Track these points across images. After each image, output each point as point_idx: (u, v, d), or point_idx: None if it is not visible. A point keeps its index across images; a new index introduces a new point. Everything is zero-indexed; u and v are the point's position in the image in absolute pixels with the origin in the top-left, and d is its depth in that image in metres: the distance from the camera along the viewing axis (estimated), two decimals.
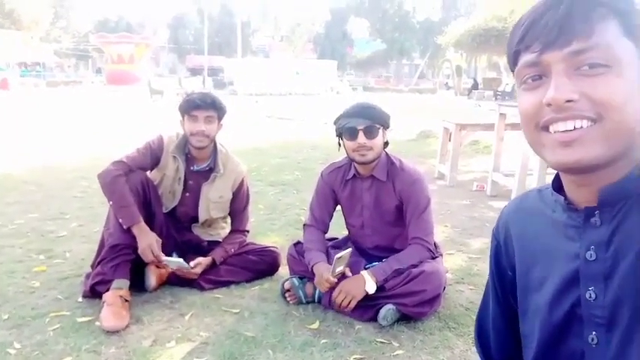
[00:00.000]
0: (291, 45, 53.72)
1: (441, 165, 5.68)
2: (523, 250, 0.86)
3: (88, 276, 2.45)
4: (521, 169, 4.20)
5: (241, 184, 2.76)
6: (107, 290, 2.26)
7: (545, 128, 0.69)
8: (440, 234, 3.46)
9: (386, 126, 2.30)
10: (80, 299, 2.39)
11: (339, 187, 2.47)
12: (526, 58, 0.70)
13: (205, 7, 45.33)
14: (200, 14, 49.67)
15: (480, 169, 6.08)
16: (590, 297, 0.72)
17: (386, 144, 2.36)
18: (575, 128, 0.66)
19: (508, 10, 20.95)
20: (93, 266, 2.45)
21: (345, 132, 2.27)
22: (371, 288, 2.16)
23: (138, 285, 2.44)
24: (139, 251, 2.36)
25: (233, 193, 2.73)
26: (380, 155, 2.32)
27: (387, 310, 2.16)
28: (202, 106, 2.51)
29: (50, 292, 2.47)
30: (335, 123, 2.33)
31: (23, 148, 7.28)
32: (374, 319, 2.19)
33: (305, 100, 21.49)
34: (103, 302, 2.21)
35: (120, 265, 2.32)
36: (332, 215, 2.56)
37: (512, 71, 0.75)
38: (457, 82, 33.26)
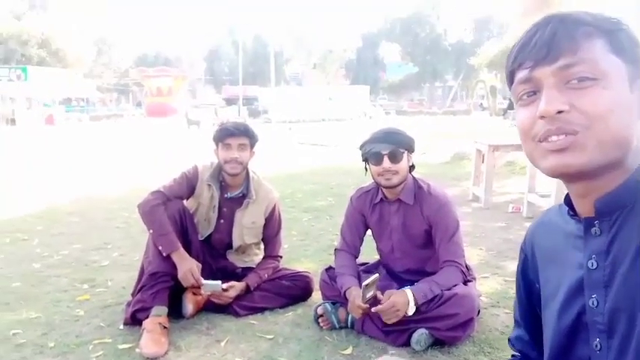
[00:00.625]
0: (323, 72, 54.48)
1: (475, 187, 5.63)
2: (544, 262, 0.90)
3: (128, 304, 2.54)
4: (556, 189, 4.14)
5: (273, 209, 2.82)
6: (147, 317, 2.34)
7: (542, 141, 0.74)
8: (474, 257, 3.43)
9: (411, 150, 2.34)
10: (121, 327, 2.47)
11: (368, 211, 2.50)
12: (520, 75, 0.76)
13: (239, 38, 46.58)
14: (235, 46, 51.10)
15: (515, 190, 5.99)
16: (593, 304, 0.76)
17: (412, 167, 2.39)
18: (566, 136, 0.70)
19: None
20: (133, 294, 2.54)
21: (371, 157, 2.31)
22: (411, 309, 2.15)
23: (176, 312, 2.51)
24: (180, 276, 2.44)
25: (265, 219, 2.79)
26: (406, 179, 2.35)
27: (420, 335, 2.15)
28: (235, 134, 2.61)
29: (93, 320, 2.57)
30: (360, 148, 2.38)
31: (67, 180, 7.61)
32: (407, 343, 2.19)
33: (338, 126, 21.66)
34: (143, 329, 2.29)
35: (159, 293, 2.41)
36: (362, 239, 2.59)
37: (510, 90, 0.80)
38: (492, 103, 32.90)
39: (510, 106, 27.78)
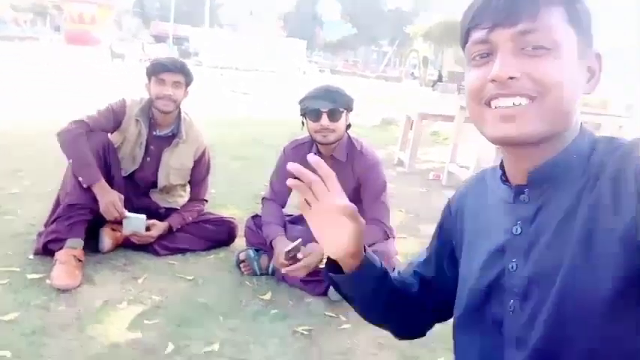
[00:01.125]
0: (260, 21, 52.94)
1: (401, 152, 5.80)
2: (472, 222, 0.91)
3: (40, 234, 2.42)
4: (476, 161, 4.36)
5: (203, 153, 2.76)
6: (60, 249, 2.24)
7: (488, 104, 0.74)
8: (394, 218, 3.54)
9: (349, 109, 2.36)
10: (31, 256, 2.36)
11: (300, 164, 2.51)
12: (476, 35, 0.74)
13: None
14: None
15: (437, 159, 6.23)
16: (512, 268, 0.78)
17: (348, 126, 2.41)
18: (514, 105, 0.71)
19: None
20: (46, 225, 2.42)
21: (309, 113, 2.31)
22: (324, 260, 2.22)
23: (92, 246, 2.43)
24: (101, 208, 2.35)
25: (194, 162, 2.73)
26: (342, 137, 2.38)
27: None
28: (172, 70, 2.51)
29: (0, 248, 2.43)
30: (300, 103, 2.37)
31: None
32: (324, 293, 2.27)
33: (271, 78, 21.30)
34: (56, 260, 2.20)
35: (75, 225, 2.31)
36: (291, 190, 2.60)
37: (463, 49, 0.79)
38: (423, 73, 33.61)
39: (439, 79, 28.58)
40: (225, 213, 3.03)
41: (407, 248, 3.04)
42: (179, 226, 2.63)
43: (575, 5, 0.73)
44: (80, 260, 2.25)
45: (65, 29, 35.13)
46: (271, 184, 2.59)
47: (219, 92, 12.24)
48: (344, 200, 0.85)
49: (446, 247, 0.98)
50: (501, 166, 0.84)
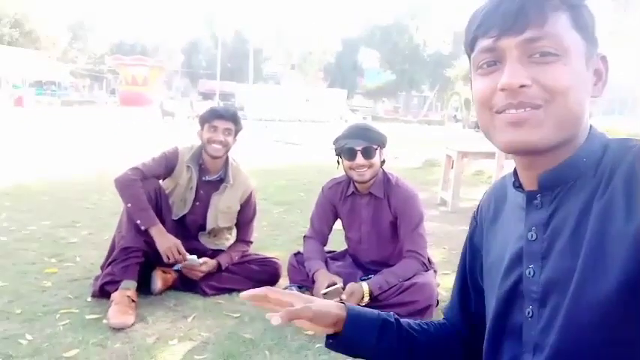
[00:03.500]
0: (302, 73, 54.56)
1: (444, 192, 5.80)
2: (490, 229, 0.91)
3: (97, 278, 2.58)
4: None
5: (249, 196, 2.90)
6: (116, 290, 2.38)
7: (500, 113, 0.74)
8: (437, 255, 3.56)
9: (382, 146, 2.44)
10: (89, 299, 2.51)
11: (338, 202, 2.60)
12: (483, 43, 0.74)
13: (219, 32, 46.29)
14: (214, 40, 50.69)
15: (481, 197, 6.16)
16: (529, 274, 0.78)
17: (383, 162, 2.49)
18: (525, 110, 0.71)
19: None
20: (102, 268, 2.58)
21: (344, 152, 2.41)
22: (365, 301, 2.27)
23: (144, 288, 2.56)
24: (162, 250, 2.49)
25: (241, 205, 2.86)
26: (377, 173, 2.46)
27: None
28: (224, 117, 2.69)
29: (60, 292, 2.59)
30: (334, 143, 2.47)
31: (37, 162, 7.49)
32: None
33: (313, 127, 21.75)
34: (111, 301, 2.33)
35: (130, 267, 2.45)
36: (331, 228, 2.68)
37: (469, 57, 0.79)
38: (465, 115, 33.45)
39: None
40: (268, 255, 3.12)
41: (450, 284, 3.02)
42: (227, 265, 2.73)
43: (580, 10, 0.73)
44: (134, 301, 2.38)
45: (120, 91, 37.23)
46: (312, 222, 2.68)
47: (264, 143, 12.61)
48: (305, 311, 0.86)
49: (477, 259, 0.96)
50: (515, 172, 0.83)
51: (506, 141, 0.74)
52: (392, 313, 0.96)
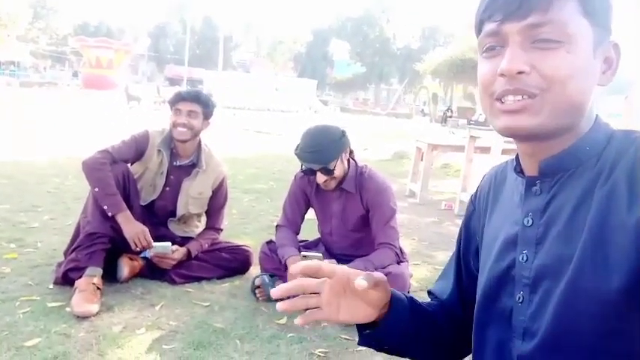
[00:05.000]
0: (272, 62, 54.16)
1: (412, 183, 5.84)
2: (490, 212, 0.90)
3: (60, 264, 2.48)
4: None
5: (221, 182, 2.84)
6: (80, 277, 2.29)
7: (499, 100, 0.74)
8: (408, 246, 3.57)
9: (342, 151, 2.39)
10: (51, 286, 2.41)
11: (310, 191, 2.58)
12: (488, 27, 0.74)
13: (188, 18, 45.40)
14: (182, 25, 49.72)
15: (449, 190, 6.25)
16: (522, 259, 0.78)
17: (351, 154, 2.47)
18: (523, 98, 0.71)
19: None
20: (66, 254, 2.48)
21: (305, 171, 2.43)
22: None
23: (110, 275, 2.48)
24: (129, 237, 2.42)
25: (213, 191, 2.80)
26: (345, 175, 2.44)
27: None
28: (187, 99, 2.62)
29: (21, 279, 2.48)
30: (295, 154, 2.42)
31: None
32: None
33: (283, 117, 21.62)
34: (75, 288, 2.24)
35: (95, 253, 2.36)
36: (303, 217, 2.65)
37: (478, 39, 0.79)
38: (433, 109, 33.85)
39: (449, 114, 28.75)
40: (239, 242, 3.07)
41: (421, 274, 3.05)
42: (197, 252, 2.67)
43: None
44: (99, 288, 2.29)
45: (83, 74, 36.13)
46: (284, 210, 2.65)
47: (232, 131, 12.45)
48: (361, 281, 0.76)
49: (471, 245, 0.96)
50: (517, 157, 0.83)
51: (503, 126, 0.74)
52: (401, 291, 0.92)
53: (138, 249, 2.45)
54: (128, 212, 2.44)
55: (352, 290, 0.79)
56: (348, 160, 2.47)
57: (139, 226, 2.44)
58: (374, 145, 10.59)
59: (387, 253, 2.37)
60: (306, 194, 2.61)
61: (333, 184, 2.42)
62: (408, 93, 51.97)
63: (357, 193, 2.46)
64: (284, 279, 2.41)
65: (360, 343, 0.90)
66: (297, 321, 0.80)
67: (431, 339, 0.93)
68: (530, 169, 0.79)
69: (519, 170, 0.82)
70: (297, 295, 0.81)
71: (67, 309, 2.17)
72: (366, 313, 0.83)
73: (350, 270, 0.80)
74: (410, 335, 0.89)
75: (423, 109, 39.95)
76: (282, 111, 27.52)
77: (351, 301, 0.82)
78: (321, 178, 2.37)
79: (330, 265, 0.80)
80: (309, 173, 2.42)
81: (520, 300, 0.78)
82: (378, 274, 0.81)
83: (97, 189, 2.42)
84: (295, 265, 0.79)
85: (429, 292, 1.06)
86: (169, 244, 2.55)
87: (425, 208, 5.21)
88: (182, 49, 44.39)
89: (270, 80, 33.95)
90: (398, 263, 2.42)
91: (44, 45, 47.91)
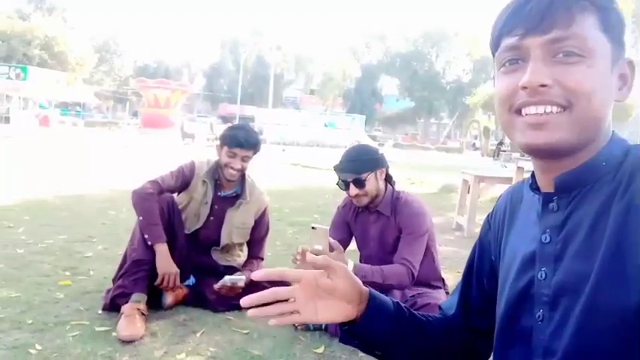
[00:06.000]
0: (321, 98, 55.08)
1: (460, 217, 5.74)
2: (508, 231, 0.90)
3: (108, 290, 2.58)
4: None
5: (264, 213, 2.90)
6: (126, 303, 2.38)
7: (518, 112, 0.73)
8: (451, 279, 3.50)
9: (378, 168, 2.43)
10: (100, 311, 2.51)
11: (351, 219, 2.60)
12: (507, 41, 0.74)
13: (241, 57, 47.11)
14: (235, 64, 51.63)
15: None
16: (541, 277, 0.77)
17: (389, 178, 2.50)
18: (545, 112, 0.70)
19: None
20: (114, 280, 2.59)
21: (339, 184, 2.47)
22: None
23: (155, 302, 2.56)
24: (160, 272, 2.49)
25: (255, 221, 2.87)
26: (378, 195, 2.46)
27: None
28: (245, 147, 2.69)
29: (72, 304, 2.60)
30: (334, 170, 2.48)
31: (58, 178, 7.63)
32: None
33: (331, 152, 21.84)
34: (121, 314, 2.33)
35: (140, 280, 2.45)
36: (345, 245, 2.66)
37: (494, 56, 0.79)
38: (484, 143, 33.33)
39: (501, 149, 28.20)
40: None
41: None
42: (247, 282, 2.70)
43: (609, 13, 0.72)
44: (144, 314, 2.37)
45: (142, 113, 37.88)
46: None
47: (281, 166, 12.69)
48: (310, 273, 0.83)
49: (485, 262, 0.96)
50: (533, 175, 0.83)
51: (527, 142, 0.73)
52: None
53: (163, 286, 2.51)
54: (165, 246, 2.51)
55: (324, 289, 0.82)
56: (386, 184, 2.49)
57: (173, 267, 2.51)
58: (421, 179, 10.50)
59: (401, 270, 2.34)
60: (347, 223, 2.64)
61: (365, 200, 2.43)
62: (459, 127, 51.44)
63: (392, 216, 2.47)
64: None
65: (340, 341, 0.92)
66: (271, 322, 0.83)
67: (420, 348, 0.94)
68: (546, 185, 0.79)
69: (535, 187, 0.81)
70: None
71: (114, 333, 2.26)
72: (346, 312, 0.85)
73: (316, 271, 0.83)
74: (393, 337, 0.90)
75: (474, 143, 39.36)
76: (332, 146, 27.79)
77: (326, 301, 0.84)
78: (353, 190, 2.39)
79: (294, 271, 0.84)
80: (342, 187, 2.45)
81: (540, 318, 0.77)
82: (339, 263, 0.84)
83: (141, 217, 2.54)
84: (257, 272, 0.83)
85: (439, 307, 1.07)
86: (242, 277, 2.60)
87: (471, 241, 5.01)
88: (235, 87, 45.98)
89: (319, 116, 34.50)
90: (441, 292, 2.38)
91: (107, 86, 50.80)
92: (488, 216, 0.99)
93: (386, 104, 57.21)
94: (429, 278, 2.52)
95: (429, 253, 2.48)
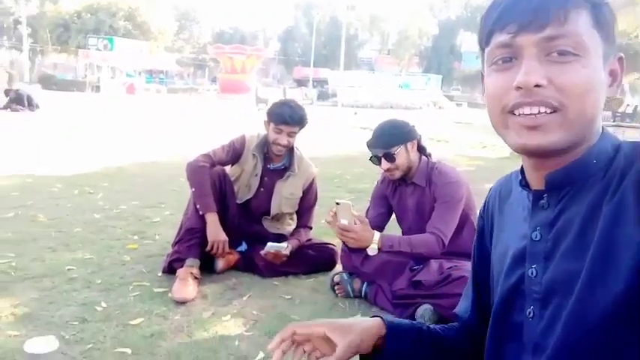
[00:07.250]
0: (397, 58, 53.79)
1: None
2: (498, 226, 0.90)
3: (167, 255, 2.82)
4: None
5: (311, 184, 3.01)
6: (181, 267, 2.60)
7: (511, 112, 0.72)
8: None
9: (409, 140, 2.44)
10: (159, 274, 2.75)
11: (389, 193, 2.64)
12: (500, 38, 0.72)
13: (315, 19, 46.82)
14: (309, 27, 51.41)
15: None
16: (531, 274, 0.77)
17: (423, 150, 2.51)
18: (539, 113, 0.69)
19: (633, 26, 19.56)
20: (172, 246, 2.81)
21: (372, 160, 2.51)
22: (372, 250, 2.33)
23: (209, 266, 2.76)
24: (210, 240, 2.66)
25: (303, 192, 2.99)
26: (411, 168, 2.48)
27: (425, 310, 2.28)
28: (290, 124, 2.79)
29: (137, 266, 2.87)
30: (366, 145, 2.52)
31: (139, 145, 8.16)
32: (412, 317, 2.32)
33: (405, 114, 21.48)
34: (176, 277, 2.55)
35: (193, 246, 2.65)
36: (385, 220, 2.71)
37: (483, 51, 0.77)
38: None
39: None
40: (330, 241, 3.21)
41: None
42: (294, 249, 2.85)
43: (601, 8, 0.71)
44: (197, 278, 2.58)
45: (220, 79, 39.01)
46: (367, 212, 2.74)
47: (349, 130, 12.71)
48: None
49: (485, 258, 0.95)
50: (522, 171, 0.82)
51: (523, 143, 0.72)
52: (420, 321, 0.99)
53: (212, 252, 2.68)
54: (215, 215, 2.67)
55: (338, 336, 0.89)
56: (420, 156, 2.50)
57: (221, 235, 2.66)
58: (494, 142, 10.16)
59: (429, 238, 2.36)
60: (385, 197, 2.68)
61: (397, 173, 2.46)
62: None
63: (428, 186, 2.48)
64: (361, 277, 2.52)
65: None
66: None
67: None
68: (536, 182, 0.78)
69: (525, 184, 0.81)
70: None
71: (169, 294, 2.48)
72: (363, 345, 0.90)
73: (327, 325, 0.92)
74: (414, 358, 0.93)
75: None
76: (406, 108, 27.33)
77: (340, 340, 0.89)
78: (385, 164, 2.43)
79: (313, 327, 0.94)
80: (374, 161, 2.49)
81: (530, 315, 0.77)
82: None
83: (193, 189, 2.72)
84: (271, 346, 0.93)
85: (454, 314, 1.06)
86: (285, 244, 2.75)
87: None
88: (309, 50, 45.93)
89: (393, 77, 33.84)
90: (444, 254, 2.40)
91: (187, 54, 52.54)
92: (480, 212, 0.99)
93: (465, 62, 54.82)
94: (470, 248, 2.51)
95: (468, 222, 2.48)
